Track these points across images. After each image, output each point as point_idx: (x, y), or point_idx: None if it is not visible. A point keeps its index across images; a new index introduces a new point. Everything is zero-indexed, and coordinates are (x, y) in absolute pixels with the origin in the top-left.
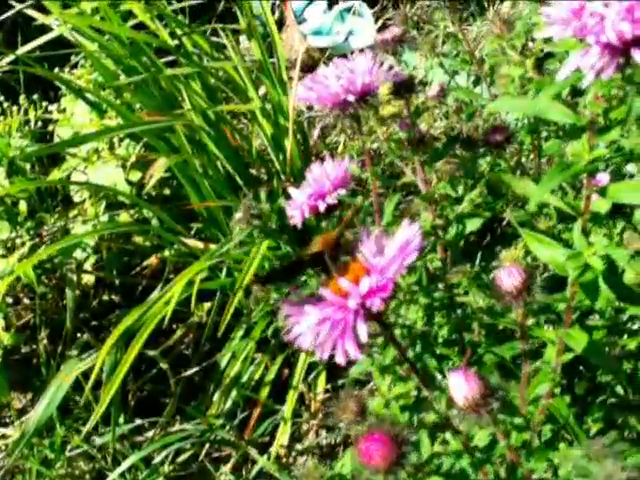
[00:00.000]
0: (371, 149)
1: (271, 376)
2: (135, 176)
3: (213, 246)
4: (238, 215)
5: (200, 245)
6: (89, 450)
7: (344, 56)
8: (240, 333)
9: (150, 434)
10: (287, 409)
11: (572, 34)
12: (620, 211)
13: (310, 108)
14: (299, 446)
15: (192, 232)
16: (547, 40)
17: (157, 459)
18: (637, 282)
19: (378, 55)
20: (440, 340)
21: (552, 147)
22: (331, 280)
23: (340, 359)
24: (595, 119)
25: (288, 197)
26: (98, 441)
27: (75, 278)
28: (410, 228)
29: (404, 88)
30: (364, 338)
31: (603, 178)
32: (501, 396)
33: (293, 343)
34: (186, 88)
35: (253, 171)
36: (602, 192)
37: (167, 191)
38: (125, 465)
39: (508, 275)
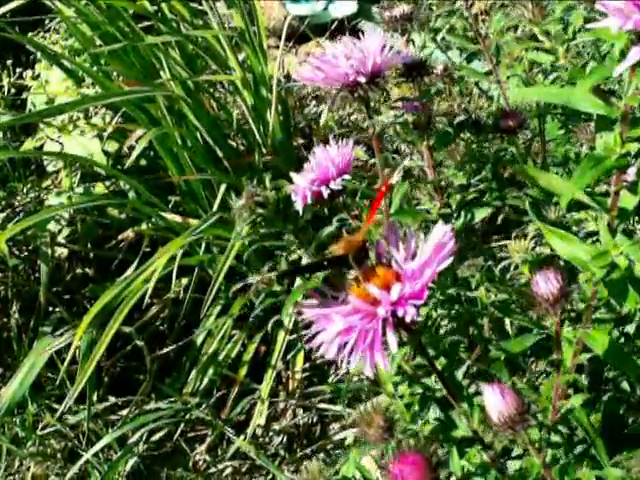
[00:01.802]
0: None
1: (249, 354)
2: (112, 147)
3: (192, 221)
4: (240, 202)
5: (179, 219)
6: (62, 429)
7: (324, 25)
8: (217, 309)
9: (124, 412)
10: (264, 388)
11: (633, 27)
12: None
13: (288, 77)
14: (276, 426)
15: (170, 205)
16: (588, 30)
17: (132, 439)
18: None
19: (386, 34)
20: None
21: (552, 130)
22: (357, 285)
23: (369, 371)
24: (629, 111)
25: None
26: (71, 420)
27: (49, 251)
28: (443, 229)
29: (415, 70)
30: (395, 349)
31: (630, 172)
32: (536, 412)
33: (317, 351)
34: (165, 56)
35: (233, 143)
36: (632, 188)
37: (144, 162)
38: (99, 445)
39: (545, 281)
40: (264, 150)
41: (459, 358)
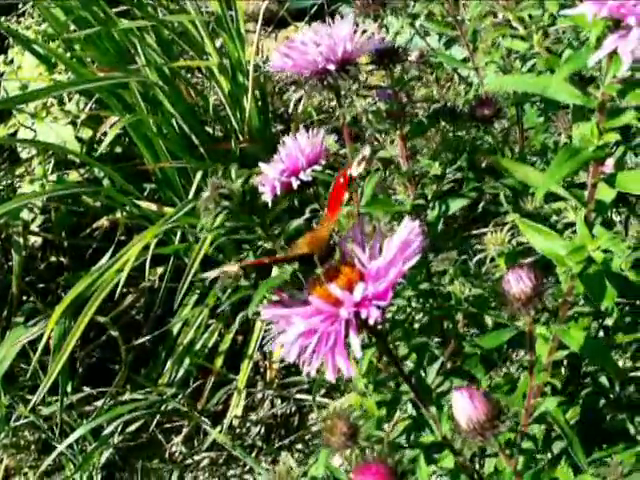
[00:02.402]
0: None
1: (225, 344)
2: (86, 133)
3: (168, 209)
4: (205, 194)
5: (154, 207)
6: (35, 420)
7: (304, 10)
8: (194, 298)
9: (99, 403)
10: (241, 378)
11: (608, 14)
12: (623, 199)
13: (266, 62)
14: (254, 416)
15: (145, 193)
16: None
17: (107, 430)
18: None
19: (358, 19)
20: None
21: (530, 117)
22: (319, 285)
23: (330, 376)
24: (606, 101)
25: (246, 160)
26: (45, 411)
27: (21, 240)
28: (410, 226)
29: (387, 57)
30: (358, 353)
31: (608, 164)
32: (508, 417)
33: (278, 354)
34: (140, 42)
35: (209, 129)
36: (609, 181)
37: (119, 149)
38: (73, 437)
39: (517, 280)
40: (241, 137)
41: (432, 355)
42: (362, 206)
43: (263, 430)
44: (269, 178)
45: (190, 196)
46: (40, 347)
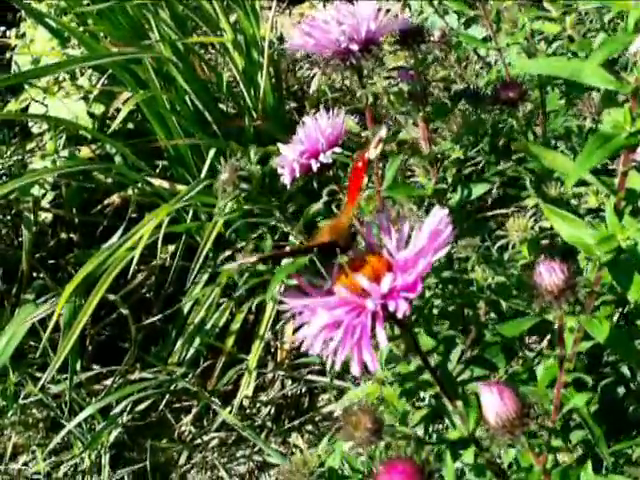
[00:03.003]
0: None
1: (237, 324)
2: (98, 109)
3: (180, 187)
4: (224, 176)
5: (166, 185)
6: (44, 398)
7: None
8: (205, 277)
9: (108, 382)
10: (252, 359)
11: None
12: None
13: (281, 39)
14: (264, 397)
15: (157, 170)
16: None
17: (116, 409)
18: None
19: None
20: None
21: (552, 100)
22: (344, 274)
23: (356, 370)
24: None
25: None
26: (54, 389)
27: (32, 216)
28: (439, 214)
29: (412, 38)
30: (384, 345)
31: (639, 150)
32: (537, 414)
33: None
34: (154, 17)
35: (223, 106)
36: None
37: (131, 125)
38: (82, 416)
39: (549, 272)
40: (254, 114)
41: (453, 343)
42: (384, 190)
43: (273, 411)
44: (288, 160)
45: (203, 174)
46: (50, 326)
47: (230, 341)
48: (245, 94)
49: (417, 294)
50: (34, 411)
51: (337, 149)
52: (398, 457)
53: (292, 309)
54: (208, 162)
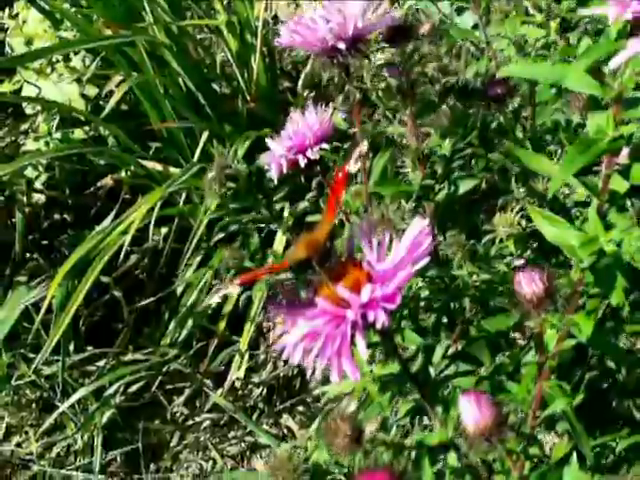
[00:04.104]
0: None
1: (229, 306)
2: (92, 91)
3: (173, 169)
4: (211, 174)
5: (159, 167)
6: (37, 380)
7: None
8: (198, 259)
9: (101, 363)
10: (243, 340)
11: (632, 17)
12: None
13: (275, 19)
14: (256, 378)
15: (150, 152)
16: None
17: (108, 391)
18: None
19: None
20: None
21: (542, 93)
22: (326, 285)
23: (335, 379)
24: (624, 92)
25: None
26: (46, 370)
27: (24, 199)
28: (419, 225)
29: (399, 34)
30: (364, 355)
31: (622, 153)
32: (515, 423)
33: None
34: None
35: (216, 87)
36: (624, 173)
37: (124, 107)
38: (75, 397)
39: (528, 281)
40: (248, 96)
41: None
42: (371, 185)
43: (265, 392)
44: (276, 155)
45: (196, 156)
46: (42, 309)
47: (222, 323)
48: (238, 76)
49: (396, 305)
50: (27, 392)
51: (324, 145)
52: (376, 466)
53: (274, 319)
54: (201, 145)
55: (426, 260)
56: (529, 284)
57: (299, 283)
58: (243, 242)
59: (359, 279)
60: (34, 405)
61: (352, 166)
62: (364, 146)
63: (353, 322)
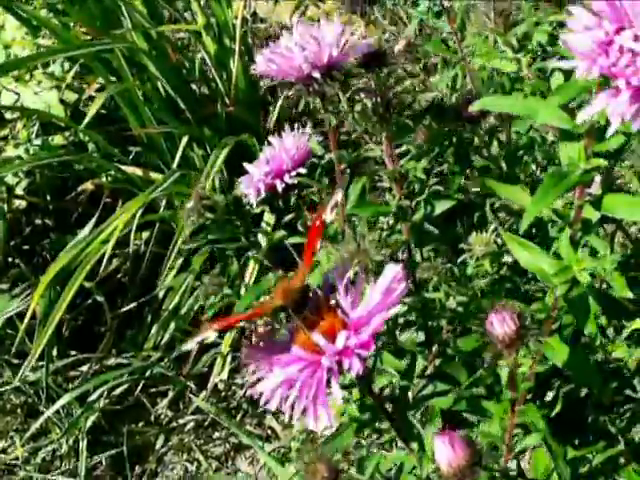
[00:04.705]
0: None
1: (211, 310)
2: (70, 97)
3: (153, 174)
4: (189, 204)
5: (139, 172)
6: (21, 386)
7: None
8: (179, 262)
9: (85, 368)
10: (225, 342)
11: (599, 73)
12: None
13: (255, 16)
14: (239, 379)
15: (131, 156)
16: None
17: (93, 396)
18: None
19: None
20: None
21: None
22: (300, 331)
23: (312, 425)
24: (595, 125)
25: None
26: (31, 377)
27: (5, 207)
28: (393, 271)
29: (374, 61)
30: (340, 401)
31: (595, 180)
32: (488, 461)
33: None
34: (125, 3)
35: (194, 87)
36: (595, 204)
37: (104, 111)
38: (59, 404)
39: (500, 322)
40: (227, 100)
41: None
42: (349, 208)
43: (247, 392)
44: (254, 179)
45: (176, 161)
46: (25, 320)
47: (203, 322)
48: (217, 79)
49: (371, 351)
50: (12, 397)
51: (302, 170)
52: None
53: (251, 362)
54: (181, 149)
55: (399, 306)
56: (501, 324)
57: (274, 328)
58: (222, 271)
59: (334, 325)
60: (19, 410)
61: (328, 215)
62: (339, 195)
63: (328, 368)
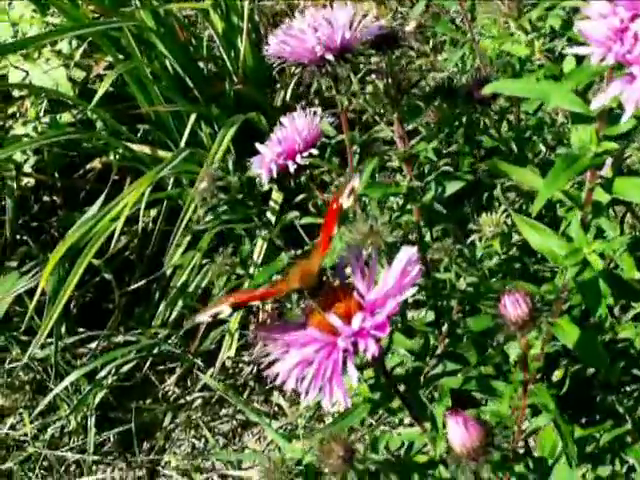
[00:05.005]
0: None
1: (219, 287)
2: (79, 74)
3: (162, 152)
4: (202, 185)
5: (147, 150)
6: (30, 363)
7: None
8: (187, 239)
9: (93, 345)
10: (233, 320)
11: (614, 60)
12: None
13: None
14: (246, 357)
15: (139, 134)
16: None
17: (101, 373)
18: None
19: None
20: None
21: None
22: (316, 312)
23: (327, 405)
24: (607, 109)
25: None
26: (40, 354)
27: (14, 185)
28: (407, 253)
29: (386, 43)
30: (355, 382)
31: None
32: (501, 443)
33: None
34: None
35: (202, 65)
36: (606, 187)
37: (112, 89)
38: (67, 381)
39: (513, 304)
40: (235, 78)
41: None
42: (360, 189)
43: (255, 370)
44: (265, 160)
45: (184, 139)
46: (35, 298)
47: (214, 299)
48: (225, 58)
49: (386, 334)
50: (20, 374)
51: (314, 150)
52: None
53: (267, 342)
54: (189, 127)
55: (415, 288)
56: (514, 306)
57: (285, 308)
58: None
59: (350, 307)
60: (28, 387)
61: (345, 201)
62: (356, 182)
63: (344, 349)
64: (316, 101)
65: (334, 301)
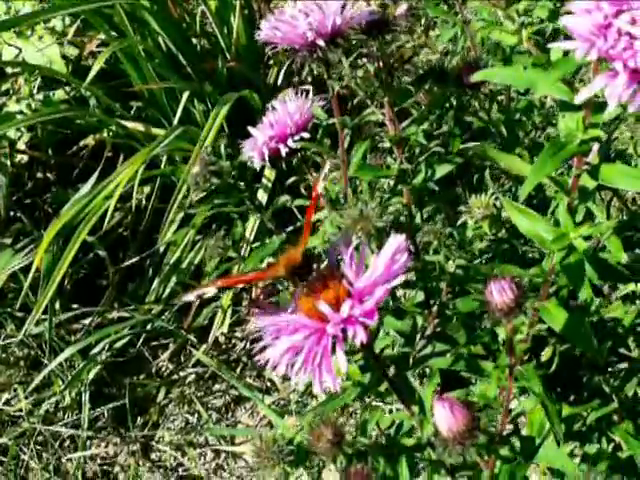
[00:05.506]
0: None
1: (212, 264)
2: (72, 52)
3: (155, 129)
4: (195, 170)
5: (141, 127)
6: (24, 338)
7: None
8: (180, 216)
9: (87, 321)
10: (226, 297)
11: (597, 56)
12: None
13: None
14: (239, 333)
15: (132, 111)
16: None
17: (95, 349)
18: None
19: None
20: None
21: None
22: (306, 296)
23: (317, 389)
24: (592, 98)
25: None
26: (34, 330)
27: (8, 162)
28: (396, 241)
29: (377, 29)
30: (344, 369)
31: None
32: (487, 427)
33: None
34: None
35: (195, 42)
36: (593, 173)
37: (105, 66)
38: (62, 357)
39: (499, 291)
40: (228, 55)
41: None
42: (351, 171)
43: (248, 345)
44: (257, 143)
45: (177, 116)
46: (29, 276)
47: (206, 280)
48: (218, 35)
49: (374, 321)
50: (15, 350)
51: (305, 134)
52: (355, 468)
53: (260, 330)
54: (182, 105)
55: (403, 277)
56: (499, 293)
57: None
58: (226, 233)
59: (338, 293)
60: (22, 363)
61: (320, 187)
62: (326, 167)
63: (333, 336)
64: (309, 78)
65: (323, 287)
